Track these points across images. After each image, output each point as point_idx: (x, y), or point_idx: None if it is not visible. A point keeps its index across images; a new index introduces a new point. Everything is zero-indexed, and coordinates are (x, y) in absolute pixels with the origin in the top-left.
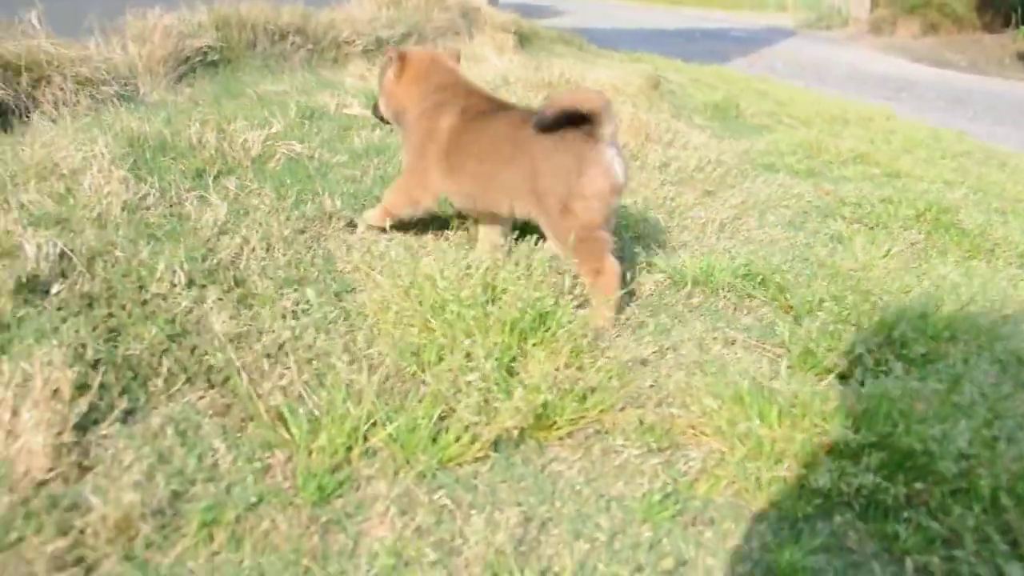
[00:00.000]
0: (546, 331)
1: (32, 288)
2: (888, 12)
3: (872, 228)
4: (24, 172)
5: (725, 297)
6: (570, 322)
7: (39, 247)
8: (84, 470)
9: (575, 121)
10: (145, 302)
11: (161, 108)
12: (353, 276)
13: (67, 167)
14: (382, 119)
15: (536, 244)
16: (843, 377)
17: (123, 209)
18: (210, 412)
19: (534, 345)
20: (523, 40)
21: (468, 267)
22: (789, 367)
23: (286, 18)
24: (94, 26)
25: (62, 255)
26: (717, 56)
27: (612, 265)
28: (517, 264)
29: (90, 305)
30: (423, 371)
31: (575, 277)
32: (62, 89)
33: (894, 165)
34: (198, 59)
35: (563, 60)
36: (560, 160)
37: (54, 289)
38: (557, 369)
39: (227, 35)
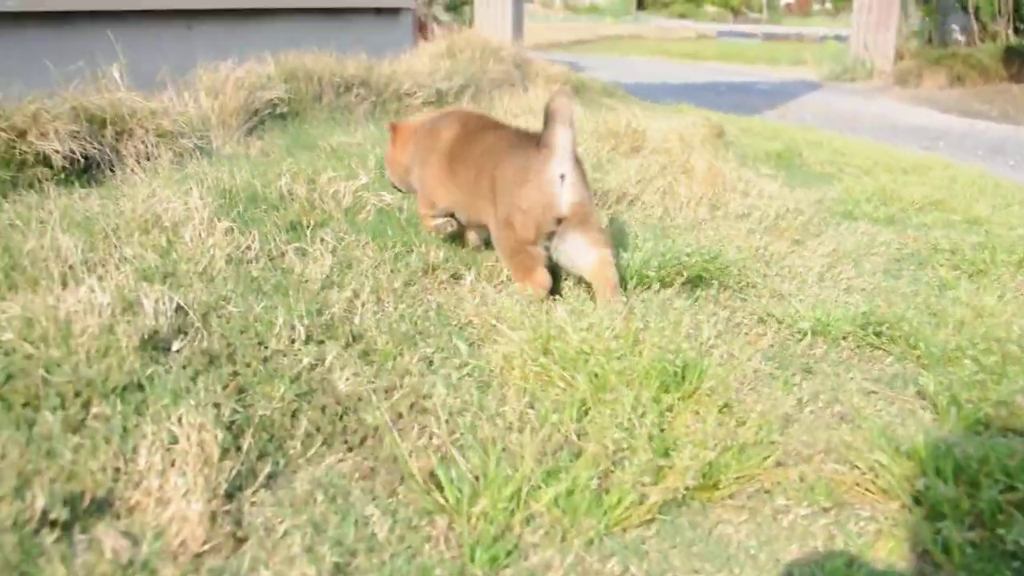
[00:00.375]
0: (691, 384)
1: (155, 345)
2: (913, 64)
3: (972, 275)
4: (127, 225)
5: (847, 347)
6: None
7: (156, 302)
8: (239, 540)
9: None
10: (267, 359)
11: (237, 160)
12: (473, 329)
13: (168, 220)
14: (396, 187)
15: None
16: (1005, 431)
17: (227, 262)
18: (356, 475)
19: (680, 399)
20: (574, 91)
21: (600, 316)
22: (935, 419)
23: (350, 70)
24: (167, 79)
25: (177, 309)
26: (746, 108)
27: (542, 278)
28: (648, 309)
29: (212, 362)
30: (570, 429)
31: (716, 328)
32: (144, 142)
33: (971, 212)
34: (267, 111)
35: (615, 112)
36: (509, 169)
37: (175, 346)
38: (710, 425)
39: (295, 87)
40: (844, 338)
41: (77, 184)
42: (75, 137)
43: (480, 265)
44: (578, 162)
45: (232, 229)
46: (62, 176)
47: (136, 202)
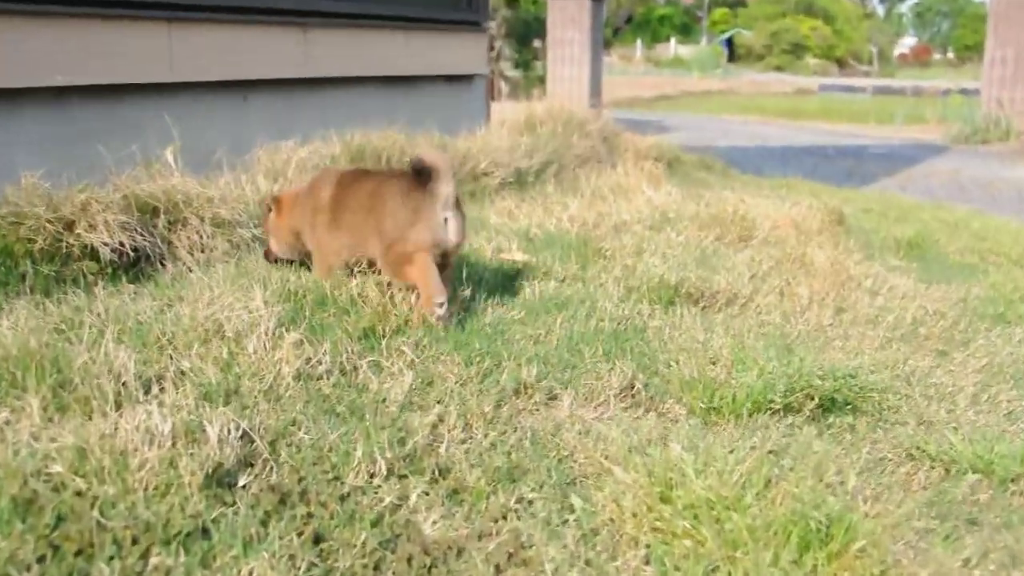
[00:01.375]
0: (838, 543)
1: (219, 480)
2: None
3: None
4: (185, 335)
5: (1017, 491)
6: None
7: (221, 429)
8: None
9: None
10: (344, 497)
11: None
12: (574, 464)
13: (231, 329)
14: (277, 260)
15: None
16: None
17: (295, 378)
18: None
19: (826, 561)
20: (667, 167)
21: (724, 455)
22: None
23: (423, 149)
24: (223, 160)
25: (242, 436)
26: (860, 178)
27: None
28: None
29: (283, 501)
30: None
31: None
32: (199, 233)
33: None
34: None
35: (715, 190)
36: (402, 211)
37: (242, 480)
38: None
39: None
40: (1012, 480)
41: (124, 279)
42: (125, 228)
43: (578, 383)
44: (459, 207)
45: (302, 341)
46: (109, 271)
47: (195, 307)
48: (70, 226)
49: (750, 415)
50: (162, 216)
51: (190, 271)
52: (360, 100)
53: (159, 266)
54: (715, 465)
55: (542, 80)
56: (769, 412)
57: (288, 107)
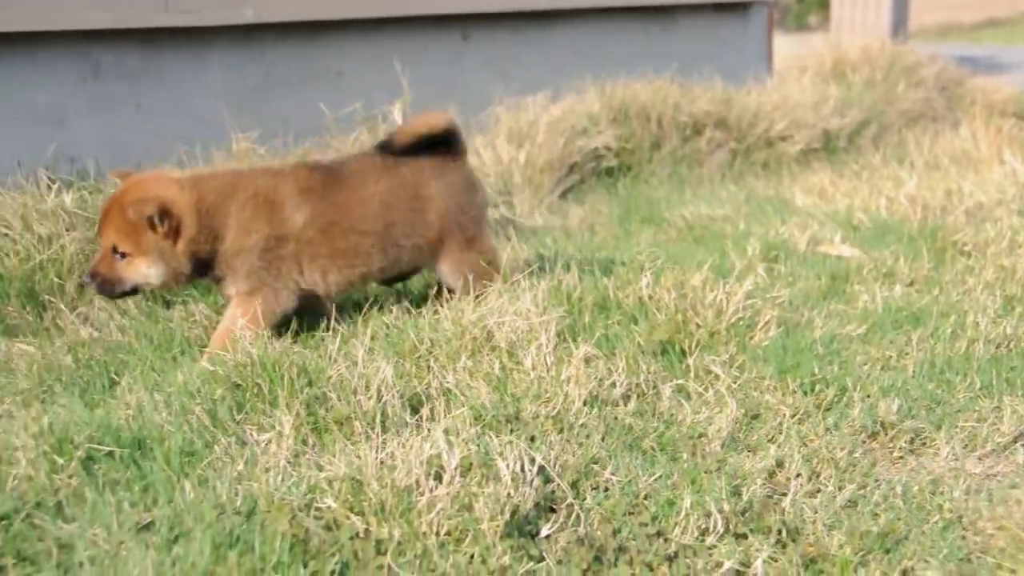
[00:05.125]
0: None
1: (519, 529)
2: None
3: None
4: (448, 343)
5: None
6: None
7: (513, 463)
8: None
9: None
10: (671, 558)
11: (550, 234)
12: (967, 535)
13: (503, 338)
14: (126, 294)
15: None
16: None
17: (586, 402)
18: None
19: None
20: None
21: None
22: None
23: (702, 105)
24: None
25: (538, 473)
26: None
27: None
28: None
29: (599, 559)
30: None
31: None
32: None
33: None
34: (589, 165)
35: None
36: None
37: (544, 530)
38: None
39: (626, 131)
40: None
41: None
42: None
43: (952, 424)
44: None
45: (593, 357)
46: None
47: (458, 312)
48: None
49: None
50: None
51: None
52: (603, 38)
53: None
54: None
55: (822, 4)
56: None
57: (513, 46)
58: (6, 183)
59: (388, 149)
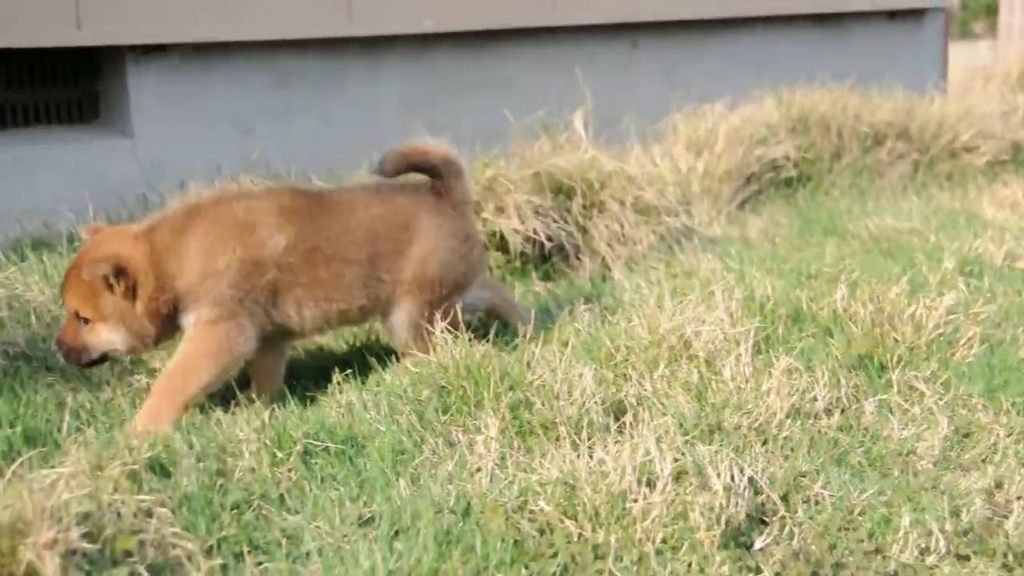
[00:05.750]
0: None
1: (734, 539)
2: None
3: None
4: (645, 351)
5: None
6: None
7: (723, 474)
8: None
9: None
10: None
11: (727, 245)
12: None
13: (702, 347)
14: (95, 362)
15: None
16: None
17: (788, 415)
18: None
19: None
20: None
21: None
22: None
23: (883, 115)
24: (631, 129)
25: (747, 484)
26: None
27: None
28: None
29: (815, 573)
30: None
31: None
32: (620, 221)
33: None
34: (767, 174)
35: None
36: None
37: (758, 542)
38: None
39: (805, 141)
40: None
41: (535, 274)
42: (538, 213)
43: None
44: None
45: (796, 369)
46: (518, 264)
47: (652, 319)
48: (476, 208)
49: None
50: (577, 199)
51: (608, 268)
52: (774, 47)
53: (575, 260)
54: None
55: (989, 10)
56: None
57: (683, 56)
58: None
59: (382, 167)
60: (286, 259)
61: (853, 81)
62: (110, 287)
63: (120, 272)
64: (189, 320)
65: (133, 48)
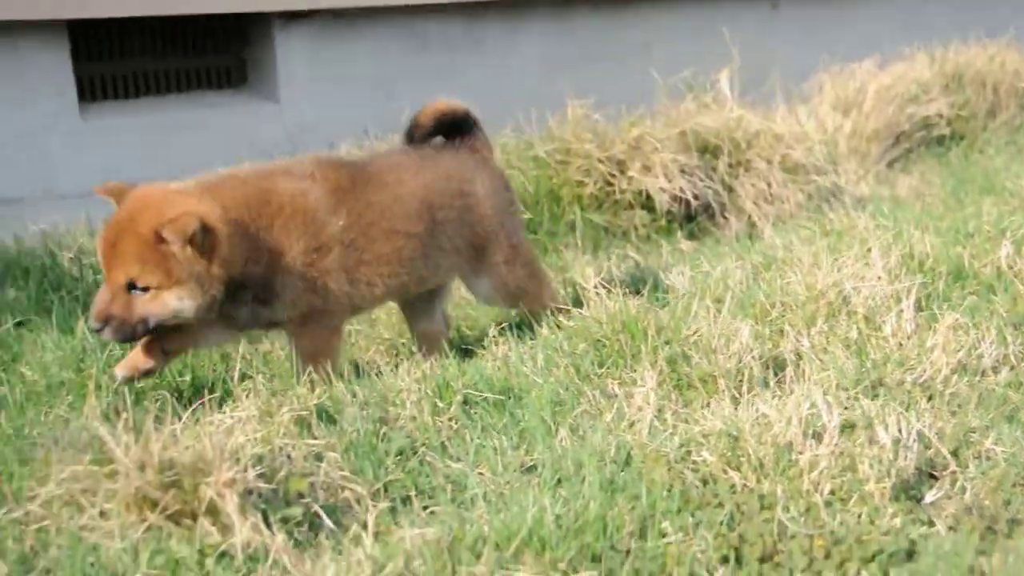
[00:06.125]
0: None
1: (905, 492)
2: None
3: None
4: (801, 308)
5: None
6: None
7: (892, 428)
8: None
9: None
10: None
11: (874, 204)
12: None
13: (861, 303)
14: (147, 332)
15: None
16: None
17: (954, 372)
18: None
19: None
20: None
21: None
22: None
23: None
24: (775, 90)
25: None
26: None
27: None
28: None
29: (991, 528)
30: None
31: None
32: (767, 180)
33: None
34: (918, 133)
35: None
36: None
37: (928, 496)
38: None
39: (959, 99)
40: None
41: (680, 233)
42: (684, 172)
43: None
44: None
45: (961, 325)
46: (663, 222)
47: (809, 276)
48: (622, 167)
49: None
50: (723, 157)
51: (754, 227)
52: (921, 4)
53: (720, 219)
54: None
55: None
56: None
57: (825, 15)
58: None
59: (413, 138)
60: (346, 238)
61: (1011, 37)
62: (195, 247)
63: (206, 230)
64: (279, 315)
65: (280, 15)
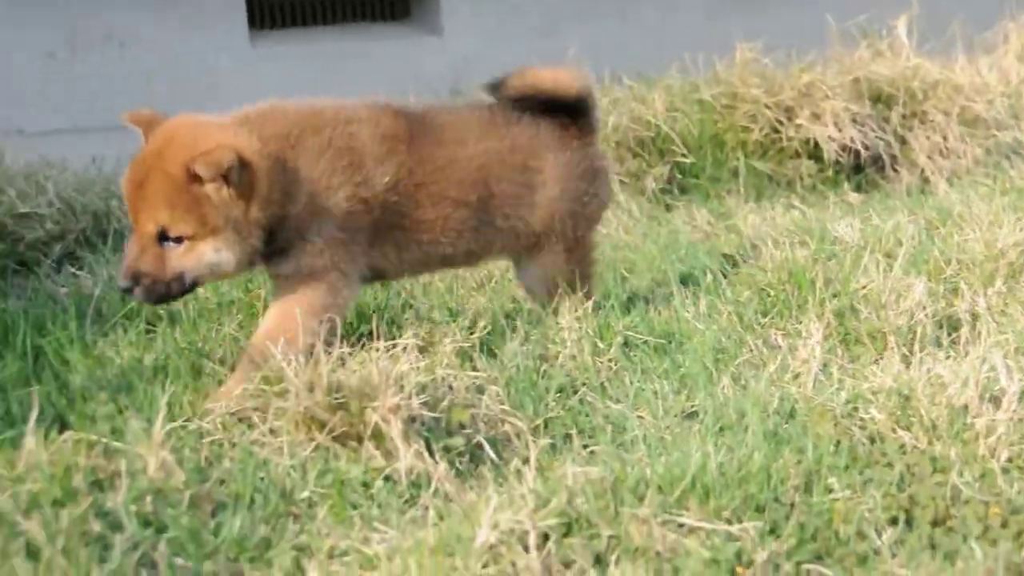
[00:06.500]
0: None
1: None
2: None
3: None
4: (979, 266)
5: None
6: None
7: None
8: None
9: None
10: None
11: None
12: None
13: None
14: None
15: None
16: None
17: None
18: None
19: None
20: None
21: None
22: None
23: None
24: (958, 35)
25: None
26: None
27: None
28: None
29: None
30: None
31: None
32: (943, 134)
33: None
34: None
35: None
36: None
37: None
38: None
39: None
40: None
41: (847, 185)
42: (855, 121)
43: None
44: None
45: None
46: (830, 173)
47: (987, 232)
48: (789, 114)
49: None
50: (897, 108)
51: (926, 181)
52: None
53: (891, 172)
54: None
55: None
56: None
57: None
58: None
59: (496, 91)
60: (390, 197)
61: None
62: (230, 185)
63: (244, 166)
64: (285, 268)
65: None
